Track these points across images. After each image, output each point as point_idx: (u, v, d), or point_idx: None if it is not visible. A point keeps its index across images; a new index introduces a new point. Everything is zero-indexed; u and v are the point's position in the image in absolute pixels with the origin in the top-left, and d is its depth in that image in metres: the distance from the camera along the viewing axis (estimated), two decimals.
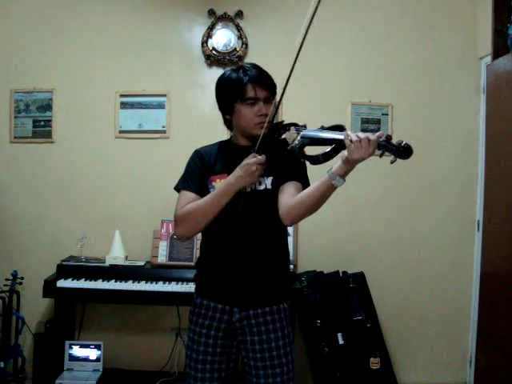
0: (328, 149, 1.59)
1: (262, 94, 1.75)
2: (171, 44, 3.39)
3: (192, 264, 3.11)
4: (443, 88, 3.44)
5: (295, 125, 1.76)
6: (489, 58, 3.00)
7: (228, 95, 1.79)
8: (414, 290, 3.43)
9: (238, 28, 3.35)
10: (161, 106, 3.38)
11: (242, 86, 1.74)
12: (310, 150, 1.66)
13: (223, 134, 3.34)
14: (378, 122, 3.41)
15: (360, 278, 3.26)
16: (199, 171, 1.83)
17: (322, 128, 1.68)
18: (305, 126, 1.73)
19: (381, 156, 1.50)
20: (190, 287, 2.93)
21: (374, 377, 3.11)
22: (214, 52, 3.36)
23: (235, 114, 1.80)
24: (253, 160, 1.66)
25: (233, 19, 3.36)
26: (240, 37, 3.35)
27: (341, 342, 3.11)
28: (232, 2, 3.36)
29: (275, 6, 3.39)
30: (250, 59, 3.33)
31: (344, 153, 1.54)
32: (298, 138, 1.68)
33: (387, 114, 3.41)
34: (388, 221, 3.43)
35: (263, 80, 1.77)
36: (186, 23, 3.40)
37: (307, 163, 1.71)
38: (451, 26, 3.42)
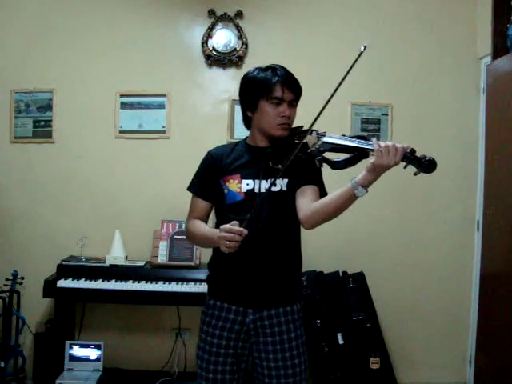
0: (350, 155, 1.61)
1: (288, 96, 1.77)
2: (171, 44, 3.39)
3: (192, 264, 3.12)
4: (443, 88, 3.44)
5: (315, 131, 1.76)
6: (489, 58, 3.00)
7: (254, 92, 1.79)
8: (414, 290, 3.43)
9: (238, 28, 3.35)
10: (161, 106, 3.38)
11: (270, 84, 1.76)
12: (329, 156, 1.68)
13: (223, 134, 3.38)
14: (378, 122, 3.41)
15: (360, 277, 3.26)
16: (209, 174, 1.86)
17: (344, 135, 1.70)
18: (324, 133, 1.75)
19: (405, 167, 1.53)
20: (190, 287, 2.94)
21: (373, 377, 3.11)
22: (213, 52, 3.36)
23: (258, 111, 1.80)
24: (228, 235, 1.59)
25: (233, 19, 3.36)
26: (240, 37, 3.35)
27: (341, 341, 3.11)
28: (232, 2, 3.36)
29: (275, 6, 3.39)
30: (250, 59, 3.34)
31: (368, 161, 1.55)
32: (319, 142, 1.70)
33: (387, 114, 3.41)
34: (388, 221, 3.43)
35: (292, 82, 1.79)
36: (186, 23, 3.40)
37: (325, 168, 1.72)
38: (451, 26, 3.42)
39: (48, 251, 3.28)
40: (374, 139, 1.57)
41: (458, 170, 3.43)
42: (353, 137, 1.68)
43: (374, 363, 3.12)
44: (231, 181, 1.80)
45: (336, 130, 1.78)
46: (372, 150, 1.55)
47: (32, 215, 3.35)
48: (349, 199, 1.60)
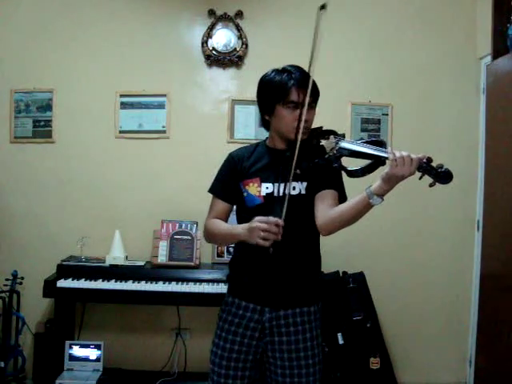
0: (367, 163, 1.60)
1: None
2: (171, 44, 3.39)
3: (192, 264, 3.12)
4: (443, 88, 3.44)
5: (334, 133, 1.74)
6: (489, 58, 3.00)
7: (270, 96, 1.77)
8: (414, 290, 3.43)
9: (238, 28, 3.35)
10: (161, 106, 3.38)
11: (286, 88, 1.73)
12: (346, 161, 1.68)
13: (223, 134, 3.38)
14: (378, 122, 3.41)
15: (360, 277, 3.25)
16: (229, 177, 1.86)
17: (362, 140, 1.68)
18: (343, 136, 1.73)
19: (420, 178, 1.53)
20: (190, 287, 2.94)
21: (373, 377, 3.11)
22: (213, 52, 3.36)
23: (275, 115, 1.78)
24: (263, 226, 1.59)
25: (233, 19, 3.36)
26: (240, 37, 3.35)
27: (341, 342, 3.11)
28: (232, 2, 3.36)
29: (275, 6, 3.39)
30: (249, 59, 3.34)
31: (384, 170, 1.54)
32: (337, 147, 1.67)
33: (387, 114, 3.41)
34: (388, 221, 3.42)
35: (308, 85, 1.74)
36: (186, 23, 3.40)
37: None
38: (451, 25, 3.42)
39: (48, 251, 3.28)
40: (389, 148, 1.56)
41: (458, 170, 3.38)
42: (370, 142, 1.65)
43: (374, 363, 3.12)
44: (251, 184, 1.80)
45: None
46: (388, 158, 1.53)
47: (32, 215, 3.35)
48: (364, 208, 1.61)
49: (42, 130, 3.36)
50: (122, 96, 3.36)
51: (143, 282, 2.95)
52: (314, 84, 1.78)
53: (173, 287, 2.94)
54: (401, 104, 3.42)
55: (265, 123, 1.87)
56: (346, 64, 3.42)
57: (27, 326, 3.20)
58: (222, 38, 3.36)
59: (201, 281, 2.97)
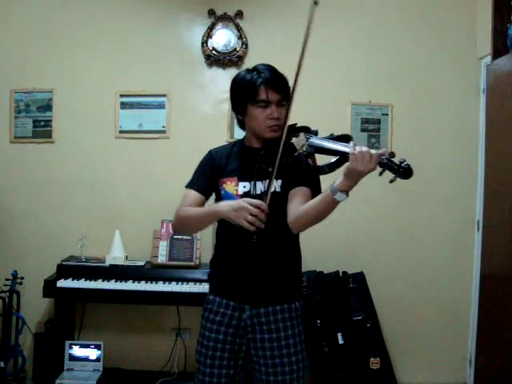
0: (333, 159, 1.59)
1: (274, 97, 1.74)
2: (171, 44, 3.39)
3: (192, 264, 3.12)
4: (443, 88, 3.44)
5: (307, 129, 1.75)
6: (489, 58, 3.00)
7: (241, 96, 1.79)
8: (414, 290, 3.43)
9: (238, 28, 3.35)
10: (161, 106, 3.38)
11: (254, 87, 1.74)
12: (321, 158, 1.67)
13: (223, 134, 3.38)
14: (378, 122, 3.41)
15: (360, 277, 3.25)
16: (207, 171, 1.87)
17: (331, 136, 1.67)
18: (316, 132, 1.73)
19: (380, 174, 1.49)
20: (190, 287, 2.94)
21: (373, 377, 3.11)
22: (213, 52, 3.36)
23: (247, 115, 1.80)
24: (250, 208, 1.59)
25: (233, 19, 3.36)
26: (240, 37, 3.35)
27: (341, 341, 3.11)
28: (232, 2, 3.36)
29: (275, 6, 3.40)
30: (249, 59, 3.34)
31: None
32: (306, 145, 1.67)
33: (387, 114, 3.41)
34: (388, 221, 3.43)
35: (276, 83, 1.76)
36: (186, 23, 3.40)
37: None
38: (451, 26, 3.42)
39: (48, 251, 3.28)
40: (351, 142, 1.54)
41: (458, 170, 3.44)
42: (338, 137, 1.64)
43: (374, 363, 3.12)
44: (228, 183, 1.82)
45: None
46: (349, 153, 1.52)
47: (32, 215, 3.35)
48: (329, 204, 1.58)
49: (42, 130, 3.36)
50: (121, 96, 3.36)
51: (143, 282, 2.96)
52: (284, 82, 1.79)
53: (173, 287, 2.94)
54: (401, 104, 3.42)
55: (240, 123, 1.89)
56: (345, 64, 3.42)
57: (27, 326, 3.20)
58: (222, 38, 3.36)
59: (201, 281, 2.97)
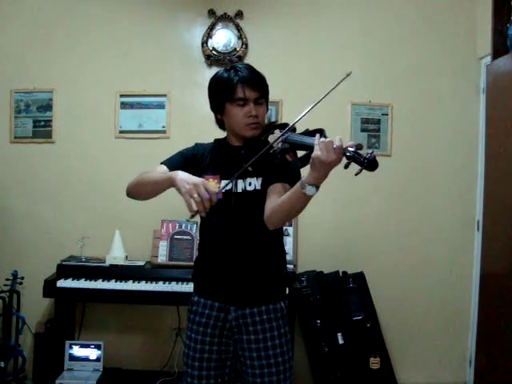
0: (304, 153, 1.58)
1: (251, 95, 1.74)
2: (171, 44, 3.40)
3: (192, 264, 3.10)
4: (443, 88, 3.44)
5: (284, 126, 1.73)
6: (489, 58, 3.00)
7: (219, 95, 1.79)
8: (414, 290, 3.43)
9: (238, 28, 3.35)
10: (161, 106, 3.38)
11: (231, 86, 1.74)
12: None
13: (223, 134, 3.36)
14: (378, 122, 3.41)
15: (360, 277, 3.26)
16: (185, 156, 1.86)
17: (307, 131, 1.66)
18: (294, 129, 1.71)
19: (346, 167, 1.45)
20: (190, 287, 2.90)
21: (373, 377, 3.11)
22: (213, 52, 3.36)
23: (226, 114, 1.80)
24: (202, 190, 1.55)
25: (233, 19, 3.36)
26: (240, 37, 3.35)
27: (341, 341, 3.11)
28: (232, 2, 3.36)
29: (275, 6, 3.39)
30: (249, 59, 3.34)
31: None
32: (281, 141, 1.66)
33: (387, 114, 3.41)
34: (388, 221, 3.43)
35: (253, 81, 1.75)
36: (186, 23, 3.40)
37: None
38: (451, 25, 3.42)
39: (48, 251, 3.28)
40: (317, 135, 1.52)
41: (458, 170, 3.43)
42: (310, 132, 1.64)
43: (374, 363, 3.12)
44: (211, 180, 1.79)
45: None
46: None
47: (32, 215, 3.36)
48: (300, 198, 1.55)
49: (42, 130, 3.36)
50: (122, 96, 3.36)
51: (143, 282, 2.96)
52: (262, 80, 1.79)
53: (173, 287, 2.94)
54: (401, 104, 3.42)
55: (219, 123, 1.89)
56: (346, 64, 3.42)
57: (27, 325, 3.20)
58: (222, 38, 3.36)
59: None
